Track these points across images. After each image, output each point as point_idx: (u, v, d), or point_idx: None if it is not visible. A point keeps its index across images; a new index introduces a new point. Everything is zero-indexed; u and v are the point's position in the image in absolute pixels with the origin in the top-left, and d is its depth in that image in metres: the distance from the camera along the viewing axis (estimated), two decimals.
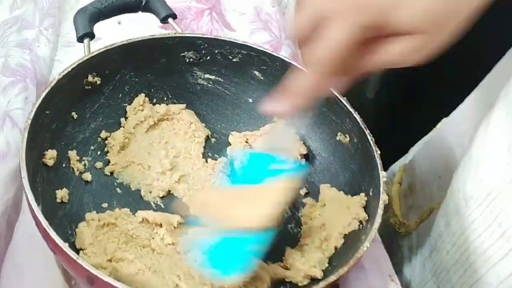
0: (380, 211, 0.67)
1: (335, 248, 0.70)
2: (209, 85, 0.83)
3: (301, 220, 0.75)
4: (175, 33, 0.80)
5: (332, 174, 0.78)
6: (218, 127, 0.83)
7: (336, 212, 0.72)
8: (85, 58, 0.74)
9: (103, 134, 0.77)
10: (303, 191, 0.78)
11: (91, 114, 0.77)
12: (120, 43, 0.77)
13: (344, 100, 0.75)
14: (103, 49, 0.76)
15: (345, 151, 0.76)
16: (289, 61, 0.78)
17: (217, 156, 0.81)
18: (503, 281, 0.64)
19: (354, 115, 0.74)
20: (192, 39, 0.80)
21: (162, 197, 0.76)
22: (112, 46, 0.76)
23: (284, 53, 0.96)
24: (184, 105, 0.83)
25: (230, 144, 0.81)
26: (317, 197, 0.76)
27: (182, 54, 0.81)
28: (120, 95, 0.79)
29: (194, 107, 0.83)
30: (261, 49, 0.80)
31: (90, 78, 0.75)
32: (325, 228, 0.72)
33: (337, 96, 0.75)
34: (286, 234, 0.75)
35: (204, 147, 0.81)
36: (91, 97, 0.77)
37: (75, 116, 0.75)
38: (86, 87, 0.76)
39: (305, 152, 0.79)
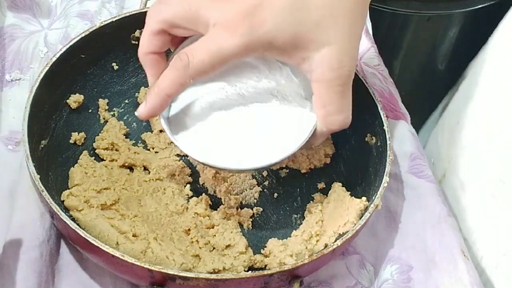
0: (367, 215, 0.63)
1: (325, 245, 0.66)
2: None
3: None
4: None
5: (350, 174, 0.75)
6: None
7: (336, 211, 0.69)
8: (134, 12, 0.76)
9: (142, 90, 0.79)
10: (320, 185, 0.75)
11: (134, 68, 0.78)
12: None
13: (377, 101, 0.72)
14: None
15: (369, 153, 0.72)
16: None
17: None
18: None
19: (382, 116, 0.71)
20: None
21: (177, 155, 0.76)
22: None
23: None
24: None
25: None
26: (327, 194, 0.73)
27: None
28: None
29: None
30: None
31: (137, 34, 0.77)
32: (322, 225, 0.69)
33: (373, 95, 0.71)
34: (289, 224, 0.73)
35: None
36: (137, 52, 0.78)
37: (116, 67, 0.77)
38: (133, 42, 0.77)
39: (331, 152, 0.76)
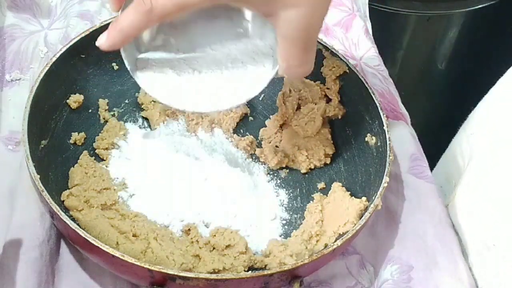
0: (367, 215, 0.63)
1: (325, 245, 0.66)
2: None
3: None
4: None
5: (350, 174, 0.75)
6: (260, 107, 0.81)
7: (336, 211, 0.69)
8: None
9: (142, 91, 0.78)
10: (320, 185, 0.75)
11: None
12: None
13: (377, 101, 0.72)
14: None
15: (368, 153, 0.72)
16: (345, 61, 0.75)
17: (248, 134, 0.79)
18: None
19: (382, 116, 0.71)
20: None
21: None
22: None
23: (355, 28, 0.93)
24: None
25: (266, 126, 0.79)
26: (327, 194, 0.73)
27: None
28: None
29: None
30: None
31: None
32: (322, 225, 0.69)
33: (373, 95, 0.71)
34: (289, 224, 0.73)
35: (239, 123, 0.80)
36: None
37: (116, 67, 0.77)
38: None
39: (331, 152, 0.76)
